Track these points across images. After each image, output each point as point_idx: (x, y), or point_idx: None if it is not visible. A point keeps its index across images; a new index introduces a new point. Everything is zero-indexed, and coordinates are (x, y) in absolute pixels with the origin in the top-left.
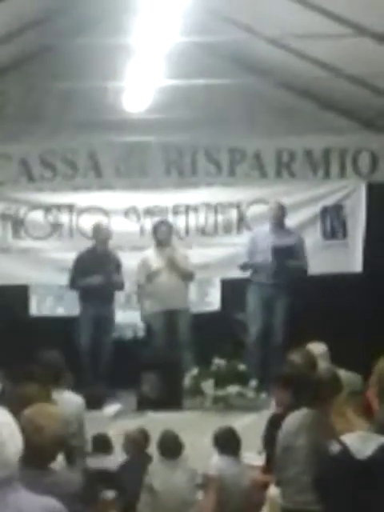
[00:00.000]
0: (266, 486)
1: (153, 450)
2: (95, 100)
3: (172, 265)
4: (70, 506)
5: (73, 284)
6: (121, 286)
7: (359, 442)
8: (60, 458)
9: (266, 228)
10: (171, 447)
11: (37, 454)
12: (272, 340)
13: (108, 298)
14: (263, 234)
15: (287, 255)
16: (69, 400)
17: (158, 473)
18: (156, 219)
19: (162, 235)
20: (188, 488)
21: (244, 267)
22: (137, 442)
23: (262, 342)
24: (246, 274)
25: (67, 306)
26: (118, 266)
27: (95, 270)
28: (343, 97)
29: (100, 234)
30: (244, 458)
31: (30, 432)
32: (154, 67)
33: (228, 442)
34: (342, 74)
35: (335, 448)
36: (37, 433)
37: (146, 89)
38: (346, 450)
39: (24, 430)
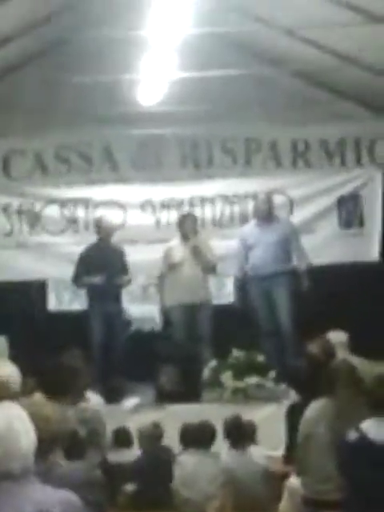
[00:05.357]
0: (285, 476)
1: (170, 442)
2: (110, 93)
3: (196, 254)
4: (81, 497)
5: (76, 281)
6: (126, 283)
7: (377, 427)
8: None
9: (251, 224)
10: (200, 438)
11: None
12: (281, 331)
13: (114, 295)
14: (249, 230)
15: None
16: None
17: (185, 464)
18: (181, 212)
19: (187, 228)
20: (213, 481)
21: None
22: (151, 436)
23: (273, 333)
24: None
25: (83, 301)
26: (123, 261)
27: (98, 268)
28: (358, 85)
29: (102, 229)
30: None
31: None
32: (167, 59)
33: (234, 433)
34: (356, 62)
35: (353, 435)
36: (43, 423)
37: (160, 81)
38: (363, 437)
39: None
